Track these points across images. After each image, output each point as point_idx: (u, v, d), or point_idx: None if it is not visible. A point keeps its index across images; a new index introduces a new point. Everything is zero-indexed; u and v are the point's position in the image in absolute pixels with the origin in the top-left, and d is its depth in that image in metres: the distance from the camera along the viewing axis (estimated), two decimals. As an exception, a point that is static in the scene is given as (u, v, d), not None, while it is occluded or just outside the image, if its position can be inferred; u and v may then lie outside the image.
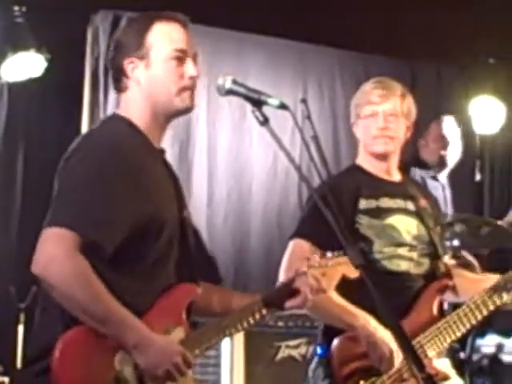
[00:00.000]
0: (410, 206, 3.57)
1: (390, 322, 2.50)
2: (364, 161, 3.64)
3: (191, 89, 2.77)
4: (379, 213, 3.49)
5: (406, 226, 3.51)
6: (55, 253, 2.52)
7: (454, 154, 5.90)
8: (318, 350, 3.46)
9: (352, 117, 3.68)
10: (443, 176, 5.92)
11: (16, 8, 5.59)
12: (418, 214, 3.56)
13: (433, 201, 3.76)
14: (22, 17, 5.58)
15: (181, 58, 2.76)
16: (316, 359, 3.48)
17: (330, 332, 3.41)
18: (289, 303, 2.87)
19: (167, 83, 2.75)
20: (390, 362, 3.27)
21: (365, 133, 3.59)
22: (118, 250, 2.60)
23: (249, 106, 2.66)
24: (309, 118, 3.90)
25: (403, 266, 3.47)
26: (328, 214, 2.48)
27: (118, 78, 2.81)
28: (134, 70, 2.76)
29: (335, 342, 3.36)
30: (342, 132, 6.96)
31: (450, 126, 5.93)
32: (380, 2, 6.06)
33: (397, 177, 3.64)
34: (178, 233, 2.78)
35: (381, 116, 3.54)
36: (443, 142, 5.83)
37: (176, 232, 2.77)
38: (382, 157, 3.58)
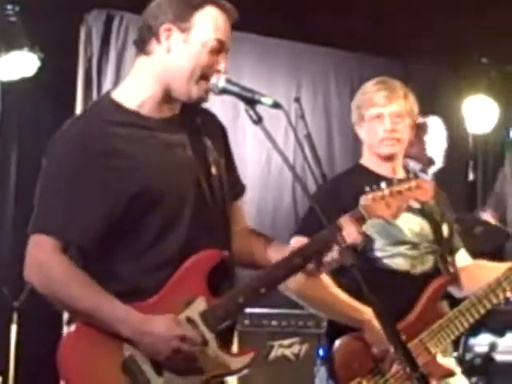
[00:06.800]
0: (415, 203, 3.58)
1: (384, 321, 2.51)
2: (368, 161, 3.64)
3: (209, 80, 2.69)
4: None
5: (409, 224, 3.51)
6: (37, 259, 2.60)
7: (434, 156, 5.91)
8: (320, 352, 3.47)
9: (354, 118, 3.66)
10: (431, 170, 5.95)
11: (9, 7, 5.58)
12: (423, 211, 3.56)
13: (441, 197, 3.73)
14: (15, 16, 5.57)
15: (218, 49, 2.69)
16: (319, 360, 3.50)
17: (333, 334, 3.42)
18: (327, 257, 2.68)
19: (195, 64, 2.67)
20: (393, 358, 3.28)
21: (370, 135, 3.59)
22: (109, 237, 2.62)
23: (242, 105, 2.65)
24: (302, 116, 3.91)
25: (405, 264, 3.48)
26: (323, 217, 2.49)
27: (147, 39, 2.72)
28: (170, 37, 2.68)
29: (337, 343, 3.37)
30: (336, 131, 6.97)
31: (433, 128, 5.93)
32: (374, 1, 6.07)
33: (401, 175, 3.65)
34: (195, 195, 2.69)
35: (387, 118, 3.54)
36: (418, 148, 5.83)
37: (184, 198, 2.68)
38: (388, 158, 3.60)
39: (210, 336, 2.60)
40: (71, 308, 2.60)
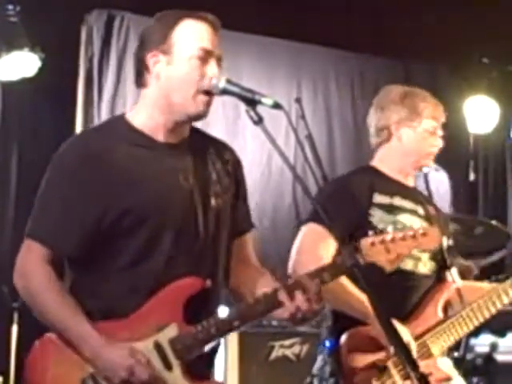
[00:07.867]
0: (420, 210, 3.61)
1: (384, 321, 2.51)
2: (384, 163, 3.64)
3: (209, 94, 2.70)
4: (392, 209, 3.53)
5: (416, 226, 3.52)
6: (23, 264, 2.69)
7: None
8: (327, 343, 3.47)
9: (402, 116, 3.62)
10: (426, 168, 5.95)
11: (10, 7, 5.58)
12: (428, 219, 3.59)
13: (439, 211, 3.78)
14: (16, 16, 5.57)
15: (205, 57, 2.69)
16: (322, 357, 3.50)
17: (339, 327, 3.43)
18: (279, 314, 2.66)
19: (186, 83, 2.68)
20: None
21: (419, 143, 3.63)
22: (94, 254, 2.66)
23: (243, 106, 2.65)
24: (303, 117, 3.90)
25: (409, 264, 3.49)
26: (325, 217, 2.49)
27: (140, 72, 2.76)
28: (156, 64, 2.70)
29: (344, 336, 3.38)
30: (337, 131, 6.97)
31: None
32: (374, 2, 6.07)
33: (411, 182, 3.69)
34: (186, 222, 2.70)
35: (439, 136, 3.65)
36: None
37: (167, 222, 2.68)
38: (421, 169, 3.72)
39: (175, 362, 2.62)
40: (42, 318, 2.65)
